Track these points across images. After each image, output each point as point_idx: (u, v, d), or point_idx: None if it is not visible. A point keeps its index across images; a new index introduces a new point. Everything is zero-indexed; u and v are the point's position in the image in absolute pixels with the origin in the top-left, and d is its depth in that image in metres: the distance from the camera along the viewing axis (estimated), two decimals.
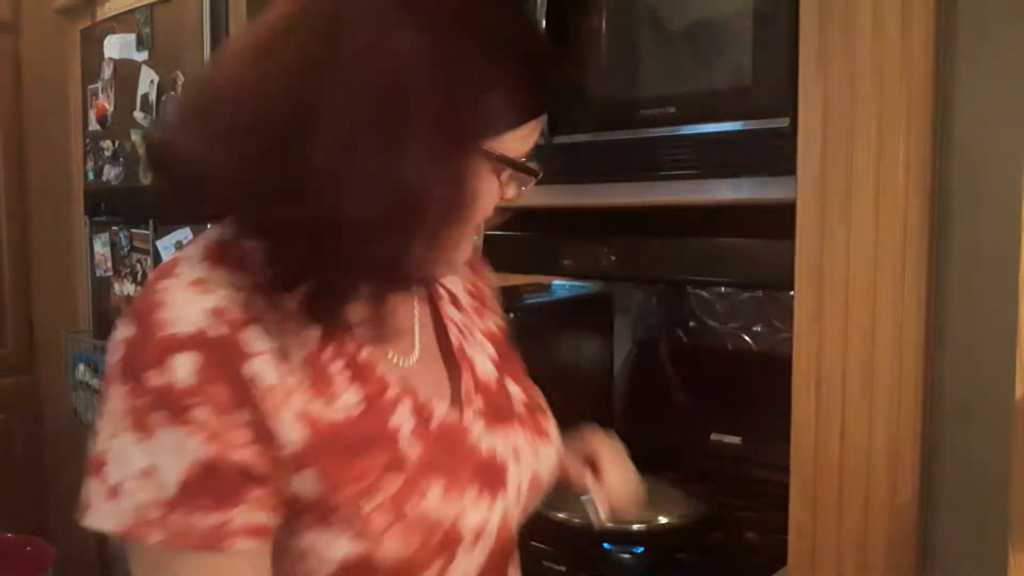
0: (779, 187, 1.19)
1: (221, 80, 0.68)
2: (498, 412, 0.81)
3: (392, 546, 0.66)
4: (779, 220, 1.16)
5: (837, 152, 1.09)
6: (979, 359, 1.08)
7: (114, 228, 2.15)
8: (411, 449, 0.70)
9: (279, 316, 0.65)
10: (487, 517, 0.73)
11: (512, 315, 1.67)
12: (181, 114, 0.73)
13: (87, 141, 2.27)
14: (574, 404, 1.63)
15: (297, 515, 0.65)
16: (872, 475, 1.10)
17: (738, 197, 1.27)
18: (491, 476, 0.75)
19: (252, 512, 0.62)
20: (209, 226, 0.74)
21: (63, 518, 2.65)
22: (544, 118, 0.75)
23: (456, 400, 0.78)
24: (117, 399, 0.62)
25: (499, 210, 0.82)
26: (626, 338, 1.93)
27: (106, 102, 2.16)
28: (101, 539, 1.27)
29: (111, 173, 2.15)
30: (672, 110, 1.30)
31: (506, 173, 0.75)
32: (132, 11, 2.04)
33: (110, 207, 2.18)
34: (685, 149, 1.29)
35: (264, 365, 0.64)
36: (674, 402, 1.76)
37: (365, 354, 0.71)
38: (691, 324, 1.79)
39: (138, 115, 2.03)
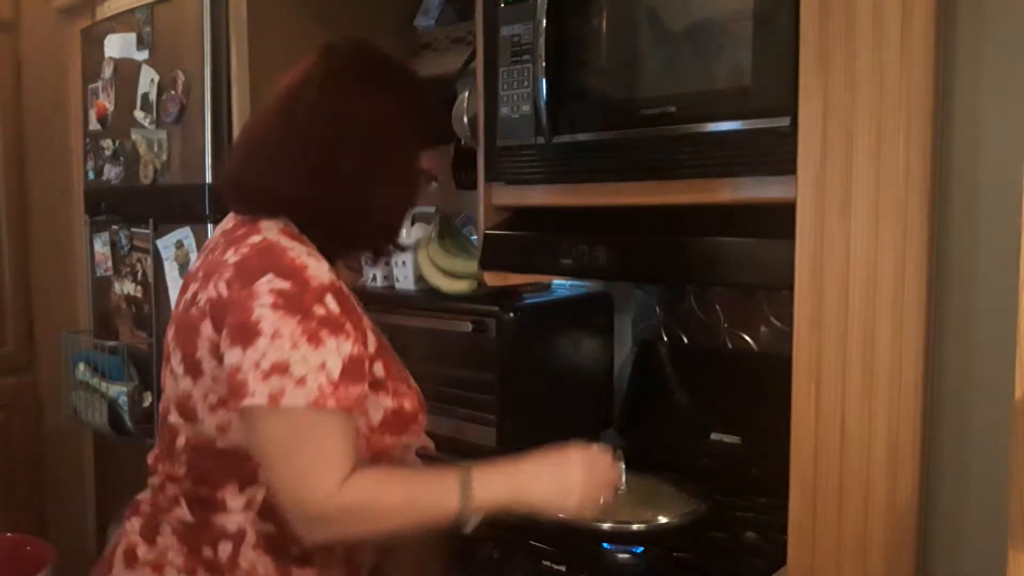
0: (779, 187, 1.19)
1: (261, 132, 1.11)
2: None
3: (407, 403, 1.11)
4: (779, 220, 1.16)
5: (837, 152, 1.10)
6: (978, 359, 1.08)
7: (114, 227, 2.15)
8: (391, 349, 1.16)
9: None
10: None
11: (512, 315, 1.68)
12: (242, 154, 1.14)
13: (87, 140, 2.27)
14: (574, 404, 1.64)
15: (372, 388, 1.06)
16: (872, 475, 1.10)
17: (738, 197, 1.27)
18: (411, 377, 1.19)
19: (365, 388, 1.02)
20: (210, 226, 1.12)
21: (63, 518, 2.66)
22: (440, 149, 1.22)
23: None
24: (290, 327, 0.95)
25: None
26: (626, 338, 1.93)
27: (106, 101, 2.16)
28: (100, 538, 1.31)
29: (111, 172, 2.15)
30: (672, 110, 1.30)
31: (427, 178, 1.17)
32: (132, 11, 2.04)
33: (110, 206, 2.17)
34: (685, 149, 1.29)
35: (352, 297, 1.06)
36: (674, 402, 1.76)
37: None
38: (691, 324, 1.79)
39: (138, 114, 2.03)
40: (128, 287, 2.13)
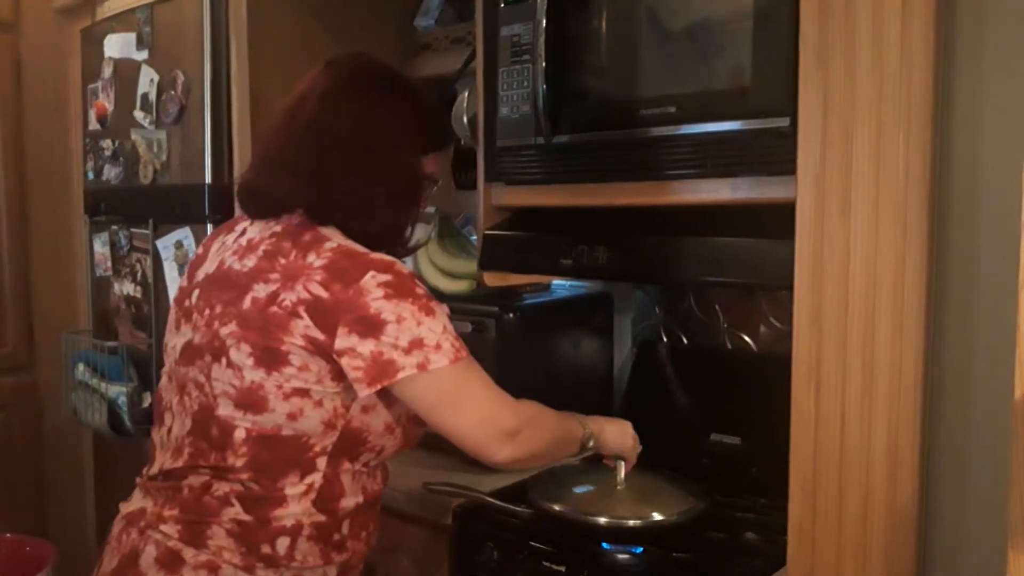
0: (779, 187, 1.19)
1: (270, 142, 1.22)
2: None
3: None
4: (779, 220, 1.16)
5: (837, 152, 1.10)
6: (979, 359, 1.08)
7: (114, 228, 2.15)
8: None
9: None
10: None
11: (512, 315, 1.68)
12: (255, 163, 1.24)
13: (87, 141, 2.27)
14: (574, 404, 1.64)
15: None
16: (872, 475, 1.10)
17: (738, 197, 1.27)
18: None
19: None
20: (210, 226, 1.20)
21: (63, 518, 2.66)
22: (444, 152, 1.28)
23: None
24: (407, 309, 1.08)
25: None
26: (626, 338, 1.93)
27: (106, 101, 2.16)
28: (100, 538, 1.32)
29: (111, 173, 2.15)
30: (672, 110, 1.30)
31: (429, 183, 1.24)
32: (132, 10, 2.04)
33: (110, 207, 2.17)
34: (685, 149, 1.30)
35: None
36: (674, 402, 1.76)
37: None
38: (691, 324, 1.79)
39: (138, 114, 2.03)
40: (128, 287, 2.13)
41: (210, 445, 1.12)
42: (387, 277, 1.08)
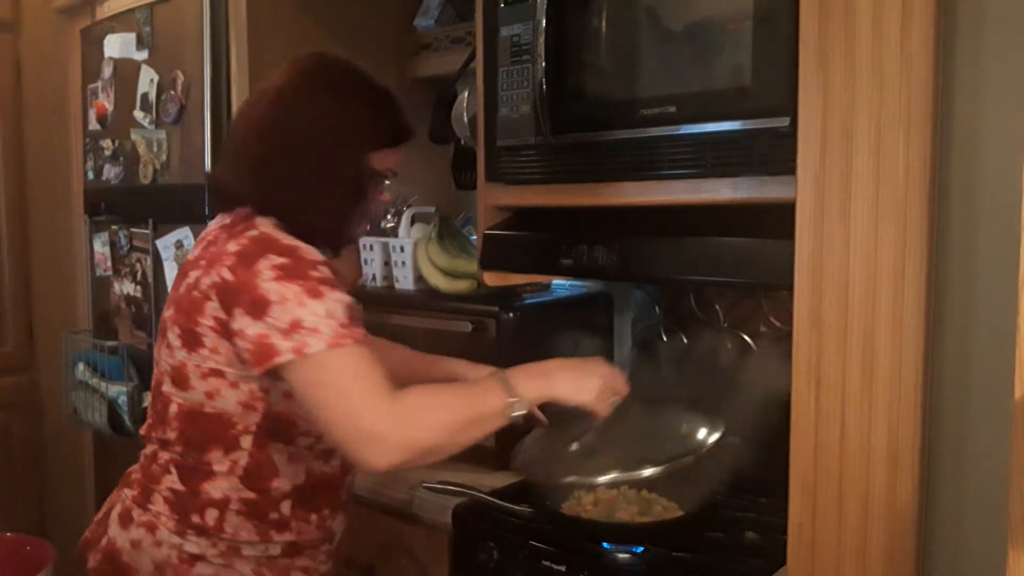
0: (779, 187, 1.19)
1: (229, 138, 1.32)
2: None
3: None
4: (779, 220, 1.16)
5: (837, 152, 1.10)
6: (978, 359, 1.08)
7: (114, 227, 2.15)
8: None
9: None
10: None
11: (512, 315, 1.68)
12: (224, 157, 1.31)
13: (87, 141, 2.27)
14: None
15: None
16: (872, 475, 1.10)
17: (738, 197, 1.27)
18: None
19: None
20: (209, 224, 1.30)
21: (63, 518, 2.66)
22: (401, 148, 1.26)
23: None
24: (293, 290, 1.07)
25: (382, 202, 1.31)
26: (626, 338, 1.93)
27: (106, 101, 2.16)
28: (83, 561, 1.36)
29: (111, 172, 2.15)
30: (672, 110, 1.30)
31: (379, 178, 1.25)
32: (132, 11, 2.04)
33: (110, 207, 2.17)
34: (685, 149, 1.29)
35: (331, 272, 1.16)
36: (674, 402, 1.75)
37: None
38: (691, 324, 1.79)
39: (138, 114, 2.03)
40: (128, 287, 2.13)
41: (158, 418, 1.23)
42: (283, 260, 1.10)
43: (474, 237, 1.86)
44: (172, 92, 1.93)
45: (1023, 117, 1.02)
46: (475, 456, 1.71)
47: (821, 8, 1.10)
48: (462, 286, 1.82)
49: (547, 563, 1.34)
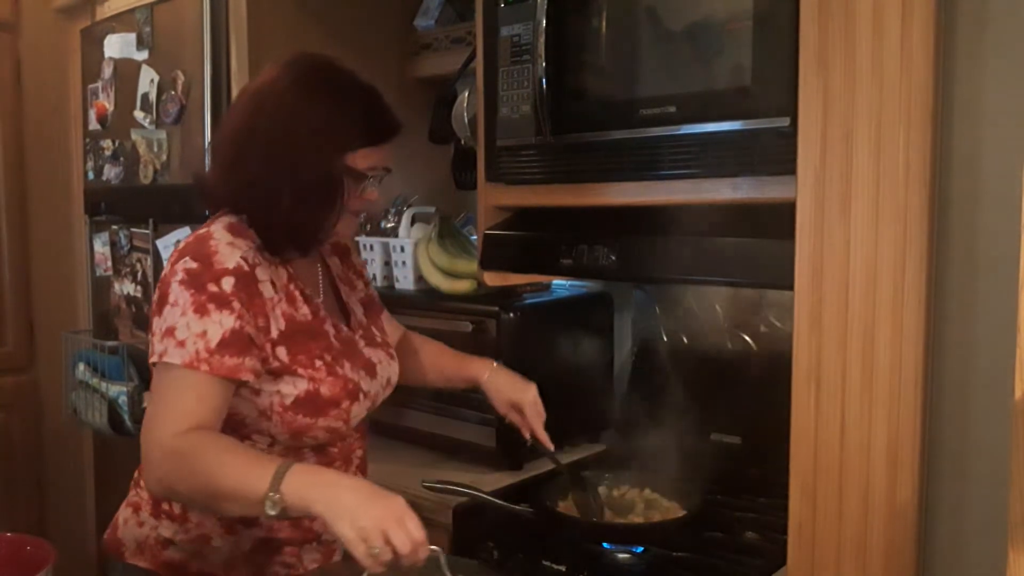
0: (779, 187, 1.19)
1: (216, 140, 1.28)
2: (370, 338, 1.34)
3: (326, 388, 1.19)
4: (779, 220, 1.16)
5: (837, 152, 1.10)
6: (979, 359, 1.08)
7: (114, 227, 2.15)
8: (335, 342, 1.25)
9: (268, 263, 1.19)
10: (370, 386, 1.28)
11: (512, 315, 1.68)
12: (210, 158, 1.31)
13: (87, 141, 2.27)
14: (574, 404, 1.63)
15: (275, 371, 1.16)
16: (872, 475, 1.10)
17: (738, 197, 1.27)
18: (370, 368, 1.29)
19: (254, 361, 1.12)
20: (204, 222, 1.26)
21: (63, 518, 2.66)
22: (384, 146, 1.22)
23: (348, 326, 1.32)
24: (185, 298, 1.10)
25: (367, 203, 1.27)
26: (626, 338, 1.93)
27: (106, 101, 2.16)
28: (100, 538, 1.35)
29: (111, 172, 2.15)
30: (672, 110, 1.30)
31: (358, 177, 1.21)
32: (132, 11, 2.04)
33: (110, 207, 2.17)
34: (685, 149, 1.29)
35: (265, 287, 1.17)
36: (674, 402, 1.76)
37: (306, 290, 1.25)
38: (691, 324, 1.79)
39: (138, 114, 2.03)
40: (128, 287, 2.13)
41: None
42: (194, 265, 1.12)
43: (474, 237, 1.86)
44: (172, 92, 1.93)
45: (1023, 117, 1.02)
46: (475, 456, 1.72)
47: (821, 8, 1.10)
48: (462, 286, 1.82)
49: (547, 563, 1.34)
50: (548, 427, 1.45)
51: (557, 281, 1.91)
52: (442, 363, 1.51)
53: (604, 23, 1.39)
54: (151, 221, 2.00)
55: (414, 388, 1.53)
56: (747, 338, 1.71)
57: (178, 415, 1.07)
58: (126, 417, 2.05)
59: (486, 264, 1.62)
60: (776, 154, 1.17)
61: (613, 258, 1.42)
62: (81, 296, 2.47)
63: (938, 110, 1.07)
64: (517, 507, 1.43)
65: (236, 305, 1.11)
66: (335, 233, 1.24)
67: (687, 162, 1.30)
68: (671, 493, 1.48)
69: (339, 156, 1.18)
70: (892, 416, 1.08)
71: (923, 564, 1.12)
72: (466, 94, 1.78)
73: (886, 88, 1.06)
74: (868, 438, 1.10)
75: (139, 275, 2.08)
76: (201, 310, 1.09)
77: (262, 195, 1.16)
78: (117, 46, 2.11)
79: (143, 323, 2.07)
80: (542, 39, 1.38)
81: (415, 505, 1.54)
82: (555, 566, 1.33)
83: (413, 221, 1.94)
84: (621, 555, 1.34)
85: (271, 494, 0.96)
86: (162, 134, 1.97)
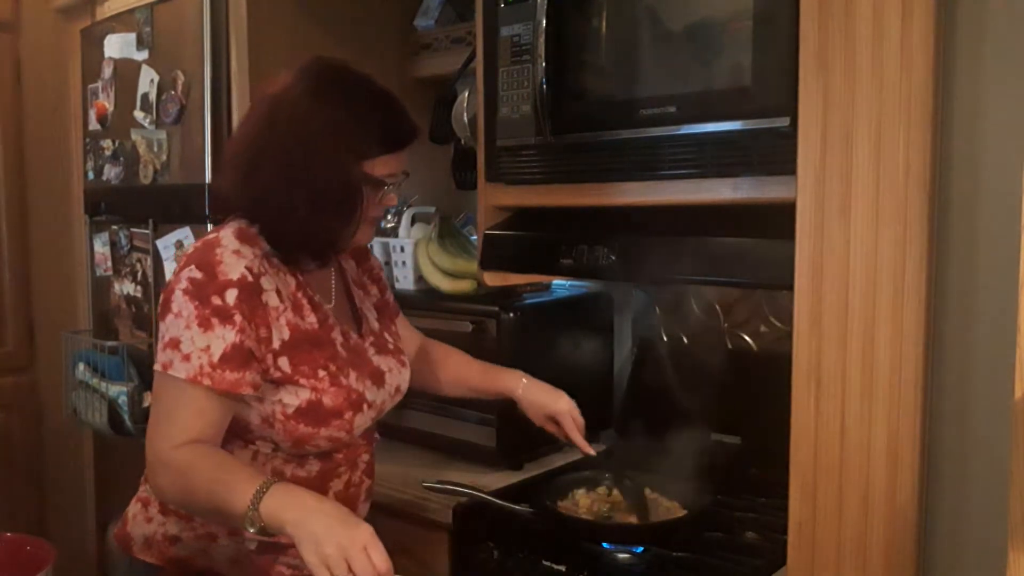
0: (779, 187, 1.19)
1: (231, 148, 1.25)
2: (381, 345, 1.33)
3: (329, 398, 1.18)
4: (779, 220, 1.16)
5: (837, 152, 1.10)
6: (978, 359, 1.08)
7: (114, 227, 2.15)
8: (341, 350, 1.23)
9: (275, 271, 1.18)
10: (376, 395, 1.27)
11: (512, 315, 1.68)
12: (222, 164, 1.29)
13: (87, 141, 2.26)
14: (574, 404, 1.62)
15: (277, 381, 1.16)
16: (872, 475, 1.10)
17: (738, 197, 1.27)
18: (378, 376, 1.29)
19: (254, 375, 1.12)
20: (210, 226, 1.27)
21: (63, 518, 2.66)
22: (402, 152, 1.21)
23: (359, 333, 1.30)
24: (189, 310, 1.10)
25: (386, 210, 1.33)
26: (626, 338, 1.93)
27: (106, 102, 2.16)
28: (100, 538, 1.34)
29: (111, 172, 2.15)
30: (672, 110, 1.30)
31: (376, 185, 1.19)
32: (132, 11, 2.04)
33: (110, 207, 2.17)
34: (685, 149, 1.30)
35: (270, 296, 1.16)
36: (674, 402, 1.76)
37: (315, 296, 1.24)
38: (691, 324, 1.79)
39: (138, 114, 2.03)
40: (128, 287, 2.13)
41: None
42: (199, 275, 1.12)
43: (474, 237, 1.86)
44: (172, 92, 1.93)
45: (1023, 117, 1.02)
46: (475, 456, 1.72)
47: (821, 8, 1.10)
48: (462, 286, 1.82)
49: (547, 563, 1.34)
50: None
51: (557, 281, 1.91)
52: (467, 375, 1.50)
53: (604, 23, 1.39)
54: (151, 221, 2.00)
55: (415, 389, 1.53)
56: (747, 338, 1.71)
57: (176, 429, 1.10)
58: (126, 417, 2.05)
59: (486, 264, 1.62)
60: (776, 154, 1.17)
61: (613, 258, 1.42)
62: (81, 296, 2.47)
63: (938, 110, 1.07)
64: (517, 507, 1.43)
65: (238, 318, 1.10)
66: (354, 241, 1.23)
67: (687, 162, 1.30)
68: (671, 493, 1.48)
69: (357, 164, 1.16)
70: (892, 416, 1.08)
71: (923, 564, 1.12)
72: (466, 94, 1.78)
73: (886, 88, 1.06)
74: (868, 438, 1.10)
75: (139, 275, 2.08)
76: (205, 324, 1.09)
77: (278, 206, 1.15)
78: (117, 46, 2.11)
79: (143, 323, 2.07)
80: (542, 39, 1.38)
81: (416, 505, 1.56)
82: (555, 566, 1.33)
83: (413, 221, 1.94)
84: (621, 555, 1.34)
85: (250, 512, 1.01)
86: (162, 134, 1.97)
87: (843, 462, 1.12)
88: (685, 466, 1.55)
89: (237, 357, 1.10)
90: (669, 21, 1.32)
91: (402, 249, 1.92)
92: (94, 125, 2.22)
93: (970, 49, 1.06)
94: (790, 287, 1.14)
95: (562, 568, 1.32)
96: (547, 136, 1.42)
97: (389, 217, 1.99)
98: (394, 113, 1.20)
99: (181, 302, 1.11)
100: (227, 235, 1.17)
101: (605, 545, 1.35)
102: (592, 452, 1.45)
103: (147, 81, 2.00)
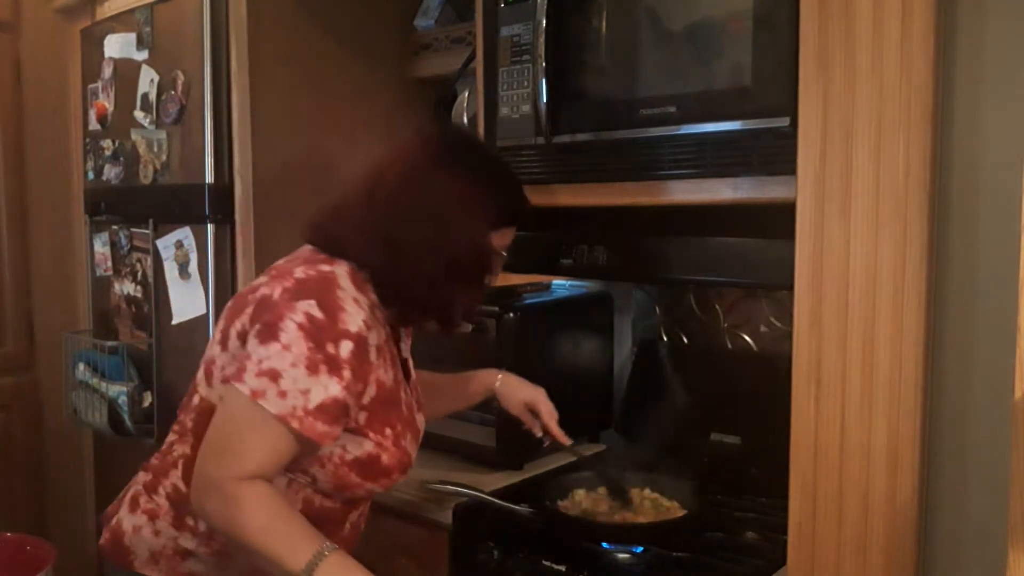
0: (779, 187, 1.19)
1: (352, 199, 1.21)
2: (420, 402, 1.32)
3: (387, 457, 1.18)
4: (779, 220, 1.16)
5: (837, 152, 1.10)
6: (979, 359, 1.08)
7: (114, 227, 2.15)
8: (404, 409, 1.23)
9: (376, 323, 1.15)
10: (415, 454, 1.26)
11: (512, 315, 1.68)
12: (334, 210, 1.23)
13: (87, 141, 2.26)
14: (574, 404, 1.63)
15: (348, 429, 1.14)
16: (872, 475, 1.10)
17: (738, 197, 1.27)
18: (418, 436, 1.28)
19: (340, 429, 1.11)
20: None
21: (63, 518, 2.66)
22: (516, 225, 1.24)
23: (408, 387, 1.29)
24: (300, 349, 1.06)
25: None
26: (626, 338, 1.93)
27: (106, 102, 2.16)
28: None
29: (111, 172, 2.15)
30: (672, 110, 1.30)
31: (497, 256, 1.23)
32: (132, 11, 2.04)
33: (110, 207, 2.17)
34: (685, 149, 1.30)
35: (372, 352, 1.14)
36: (674, 402, 1.76)
37: (393, 349, 1.23)
38: (691, 324, 1.79)
39: (138, 115, 2.02)
40: (128, 287, 2.12)
41: (186, 402, 1.25)
42: (319, 315, 1.08)
43: None
44: (172, 92, 1.93)
45: (1023, 117, 1.02)
46: (475, 456, 1.72)
47: (821, 8, 1.10)
48: None
49: (547, 563, 1.34)
50: None
51: (557, 281, 1.91)
52: (458, 389, 1.51)
53: (604, 23, 1.39)
54: (151, 221, 2.00)
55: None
56: (747, 338, 1.71)
57: (245, 460, 1.05)
58: (126, 417, 2.05)
59: None
60: (776, 154, 1.17)
61: (613, 258, 1.42)
62: (81, 296, 2.47)
63: (938, 110, 1.07)
64: (517, 507, 1.43)
65: (347, 374, 1.08)
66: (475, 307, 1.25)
67: (687, 162, 1.30)
68: (671, 493, 1.48)
69: (487, 233, 1.19)
70: (892, 416, 1.08)
71: (923, 564, 1.12)
72: (466, 94, 1.78)
73: (886, 88, 1.06)
74: (868, 438, 1.10)
75: (139, 275, 2.08)
76: (313, 368, 1.06)
77: (423, 268, 1.15)
78: (117, 46, 2.10)
79: (143, 323, 2.07)
80: (542, 39, 1.38)
81: (416, 505, 1.55)
82: (555, 566, 1.33)
83: None
84: (621, 555, 1.34)
85: (302, 575, 1.02)
86: (162, 134, 1.97)
87: (843, 462, 1.12)
88: (685, 466, 1.55)
89: (334, 410, 1.07)
90: (669, 21, 1.32)
91: None
92: (94, 125, 2.22)
93: (970, 49, 1.06)
94: (790, 287, 1.15)
95: (562, 568, 1.32)
96: (547, 136, 1.42)
97: None
98: (514, 184, 1.25)
99: (294, 336, 1.06)
100: (344, 276, 1.14)
101: (605, 545, 1.35)
102: (569, 442, 1.47)
103: (147, 81, 2.00)
